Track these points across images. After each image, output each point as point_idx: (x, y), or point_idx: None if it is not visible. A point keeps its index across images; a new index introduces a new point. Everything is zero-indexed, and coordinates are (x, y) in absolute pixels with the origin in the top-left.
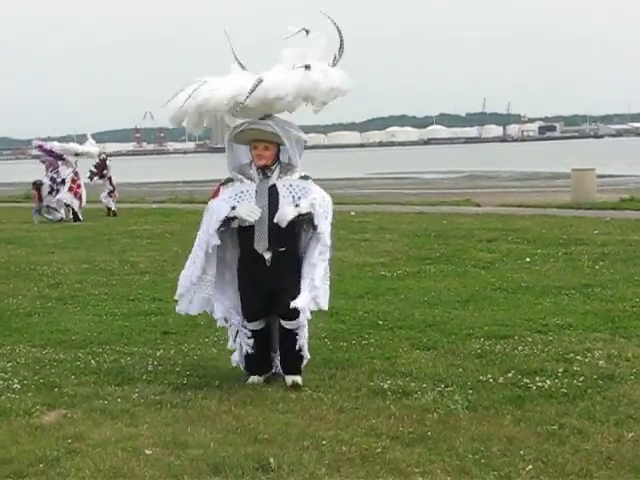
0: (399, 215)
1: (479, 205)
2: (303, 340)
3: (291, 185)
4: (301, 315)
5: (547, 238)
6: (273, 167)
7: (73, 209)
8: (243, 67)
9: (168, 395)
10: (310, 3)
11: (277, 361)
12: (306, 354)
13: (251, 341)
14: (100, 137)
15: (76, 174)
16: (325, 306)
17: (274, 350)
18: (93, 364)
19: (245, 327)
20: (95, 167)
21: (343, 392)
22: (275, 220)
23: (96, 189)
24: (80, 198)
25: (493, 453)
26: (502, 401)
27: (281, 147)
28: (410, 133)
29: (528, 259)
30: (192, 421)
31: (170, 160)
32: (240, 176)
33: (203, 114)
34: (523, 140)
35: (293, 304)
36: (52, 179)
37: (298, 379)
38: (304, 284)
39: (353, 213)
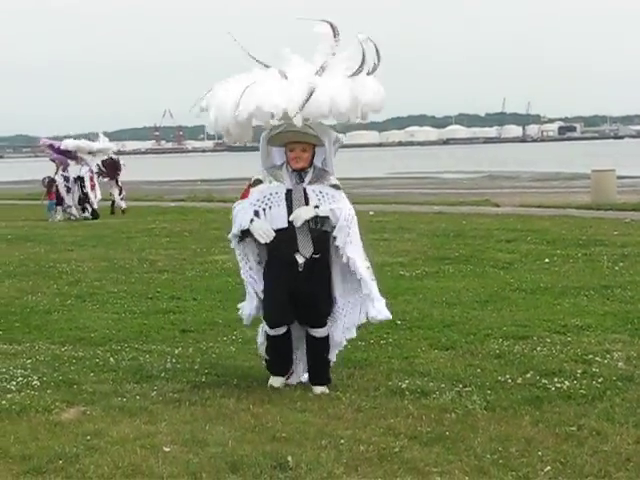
0: (418, 215)
1: (498, 205)
2: (330, 347)
3: (321, 192)
4: (328, 323)
5: (566, 239)
6: (308, 170)
7: (93, 206)
8: (266, 65)
9: (186, 393)
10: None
11: (300, 368)
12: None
13: (272, 346)
14: (119, 135)
15: (92, 172)
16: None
17: (296, 348)
18: (112, 362)
19: (266, 332)
20: (104, 166)
21: (361, 391)
22: (290, 218)
23: (102, 187)
24: (96, 197)
25: (511, 453)
26: (520, 402)
27: (316, 149)
28: (429, 133)
29: (547, 260)
30: (210, 419)
31: (189, 158)
32: (270, 177)
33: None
34: (543, 140)
35: (377, 316)
36: (65, 178)
37: (326, 390)
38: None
39: (372, 213)
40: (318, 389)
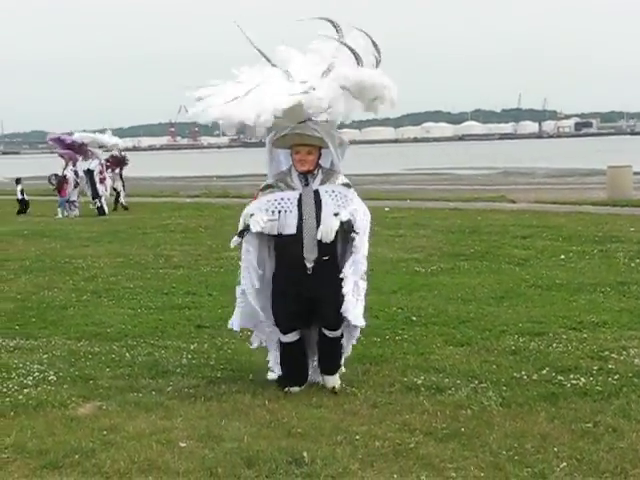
0: (433, 211)
1: (514, 201)
2: (345, 345)
3: (333, 191)
4: (342, 324)
5: (582, 235)
6: (315, 173)
7: (100, 201)
8: (273, 64)
9: (202, 388)
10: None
11: (316, 373)
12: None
13: (286, 354)
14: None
15: (102, 165)
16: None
17: (310, 359)
18: (128, 357)
19: (279, 340)
20: (109, 161)
21: (377, 387)
22: (319, 236)
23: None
24: (106, 190)
25: (527, 450)
26: (536, 398)
27: (323, 151)
28: (445, 129)
29: (563, 256)
30: (226, 414)
31: (204, 154)
32: (281, 184)
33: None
34: (559, 136)
35: (353, 320)
36: (75, 173)
37: (337, 380)
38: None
39: (387, 209)
40: (329, 379)
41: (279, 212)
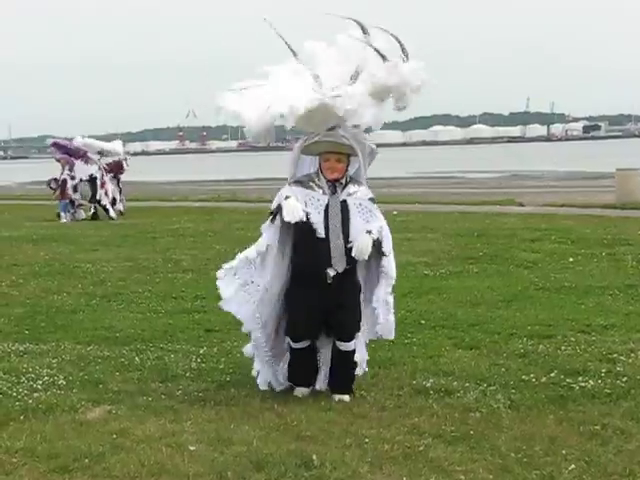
0: (442, 214)
1: (522, 205)
2: (357, 360)
3: (360, 204)
4: (355, 337)
5: (591, 238)
6: (343, 182)
7: (104, 206)
8: (299, 60)
9: (211, 392)
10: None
11: (322, 375)
12: (359, 371)
13: (296, 358)
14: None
15: (103, 170)
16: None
17: (320, 358)
18: (137, 361)
19: (289, 344)
20: (107, 165)
21: (385, 390)
22: (354, 253)
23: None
24: (107, 195)
25: (535, 452)
26: (545, 401)
27: (351, 159)
28: (453, 132)
29: (571, 259)
30: (235, 418)
31: (213, 158)
32: (310, 182)
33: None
34: (567, 140)
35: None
36: (72, 177)
37: (346, 398)
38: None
39: (395, 212)
40: (337, 397)
41: (310, 206)
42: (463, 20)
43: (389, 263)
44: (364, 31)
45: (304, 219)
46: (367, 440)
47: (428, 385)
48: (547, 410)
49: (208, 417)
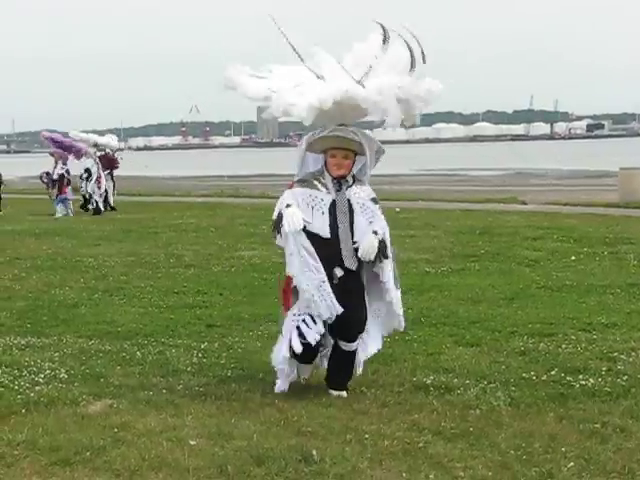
0: (444, 212)
1: (525, 203)
2: (358, 360)
3: (364, 204)
4: (359, 338)
5: (593, 237)
6: (349, 179)
7: (96, 201)
8: (305, 64)
9: (212, 387)
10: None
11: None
12: (357, 371)
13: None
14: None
15: (97, 163)
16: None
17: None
18: (138, 355)
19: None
20: (100, 159)
21: (386, 387)
22: (360, 253)
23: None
24: (99, 188)
25: (535, 450)
26: (545, 398)
27: (357, 157)
28: (456, 130)
29: (573, 257)
30: (236, 413)
31: (216, 154)
32: (315, 181)
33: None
34: (570, 138)
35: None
36: (67, 171)
37: (344, 394)
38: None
39: (398, 209)
40: (336, 393)
41: (312, 208)
42: (467, 18)
43: (387, 267)
44: (385, 40)
45: (305, 227)
46: (367, 436)
47: (428, 382)
48: (547, 408)
49: (209, 412)
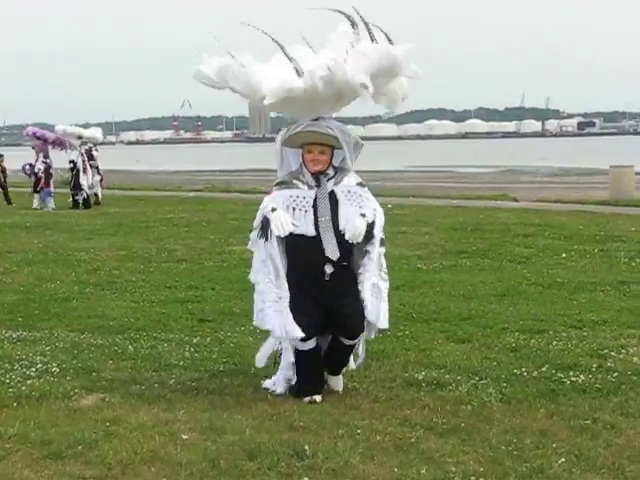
0: (436, 208)
1: (516, 200)
2: (357, 350)
3: (349, 192)
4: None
5: (584, 234)
6: (328, 173)
7: (86, 193)
8: (289, 57)
9: (204, 382)
10: None
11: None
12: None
13: (304, 362)
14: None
15: (83, 155)
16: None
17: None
18: (130, 350)
19: (295, 347)
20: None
21: (378, 382)
22: (347, 237)
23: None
24: (87, 181)
25: (526, 445)
26: (536, 395)
27: (335, 151)
28: (448, 127)
29: (564, 255)
30: (228, 407)
31: (207, 148)
32: (294, 180)
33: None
34: (562, 135)
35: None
36: (49, 165)
37: (340, 377)
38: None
39: (390, 205)
40: (334, 380)
41: (293, 209)
42: (458, 14)
43: (374, 248)
44: (353, 26)
45: (294, 231)
46: (359, 431)
47: (420, 378)
48: (538, 404)
49: (201, 406)
